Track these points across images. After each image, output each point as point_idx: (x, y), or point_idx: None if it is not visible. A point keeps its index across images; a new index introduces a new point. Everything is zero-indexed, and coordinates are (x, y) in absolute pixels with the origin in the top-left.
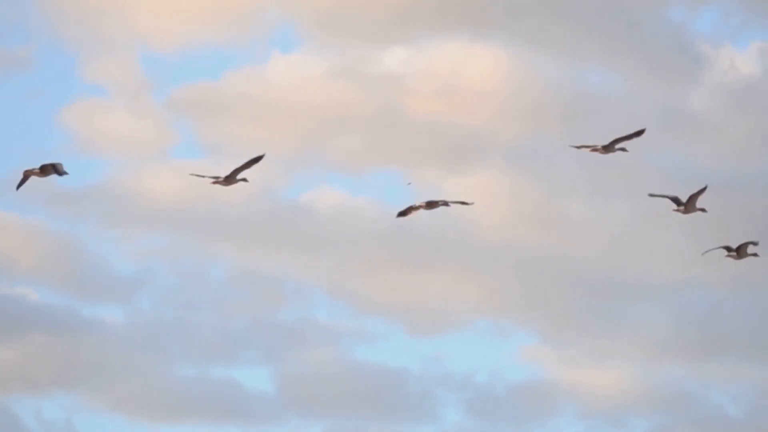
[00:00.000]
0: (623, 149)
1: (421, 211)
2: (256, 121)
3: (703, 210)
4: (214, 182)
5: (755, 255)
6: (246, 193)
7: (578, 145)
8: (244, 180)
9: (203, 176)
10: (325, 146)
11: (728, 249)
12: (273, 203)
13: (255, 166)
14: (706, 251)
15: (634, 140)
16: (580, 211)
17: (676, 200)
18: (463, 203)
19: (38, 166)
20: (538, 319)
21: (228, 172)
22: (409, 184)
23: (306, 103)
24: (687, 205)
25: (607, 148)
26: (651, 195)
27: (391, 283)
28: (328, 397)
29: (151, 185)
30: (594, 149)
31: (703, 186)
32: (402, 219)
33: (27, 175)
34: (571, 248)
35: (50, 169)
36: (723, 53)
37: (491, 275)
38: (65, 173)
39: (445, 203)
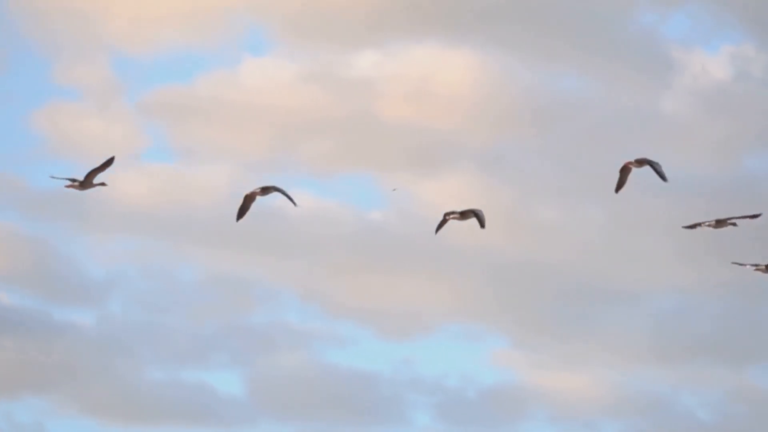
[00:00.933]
0: (734, 224)
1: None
2: (227, 124)
3: (103, 184)
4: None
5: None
6: (217, 196)
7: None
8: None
9: (60, 177)
10: (297, 150)
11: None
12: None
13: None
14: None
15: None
16: (551, 215)
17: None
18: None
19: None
20: (510, 324)
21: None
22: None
23: (277, 107)
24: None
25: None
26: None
27: (362, 287)
28: (299, 401)
29: (122, 189)
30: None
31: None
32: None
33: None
34: (542, 252)
35: (271, 190)
36: (694, 57)
37: (462, 279)
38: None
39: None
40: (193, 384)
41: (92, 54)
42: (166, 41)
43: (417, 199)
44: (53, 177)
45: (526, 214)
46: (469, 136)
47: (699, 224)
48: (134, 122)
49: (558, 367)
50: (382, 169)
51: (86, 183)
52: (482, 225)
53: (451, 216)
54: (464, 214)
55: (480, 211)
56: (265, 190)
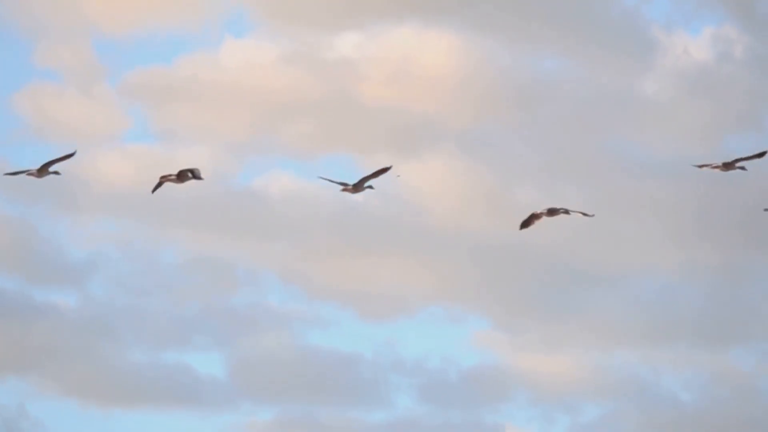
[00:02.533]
0: (743, 168)
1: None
2: (208, 105)
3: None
4: (343, 189)
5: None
6: None
7: (700, 164)
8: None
9: (333, 181)
10: (278, 131)
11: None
12: (226, 188)
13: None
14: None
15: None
16: (533, 196)
17: (344, 184)
18: (584, 214)
19: (176, 171)
20: (491, 305)
21: (356, 180)
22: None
23: (259, 88)
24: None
25: (728, 166)
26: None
27: (343, 269)
28: (280, 382)
29: (104, 170)
30: (715, 166)
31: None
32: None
33: (162, 181)
34: (523, 234)
35: (187, 175)
36: (676, 39)
37: (444, 261)
38: (201, 178)
39: (566, 212)
40: (174, 365)
41: (74, 36)
42: (147, 23)
43: (398, 181)
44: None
45: (508, 195)
46: (450, 118)
47: (707, 165)
48: (116, 104)
49: (540, 350)
50: (363, 151)
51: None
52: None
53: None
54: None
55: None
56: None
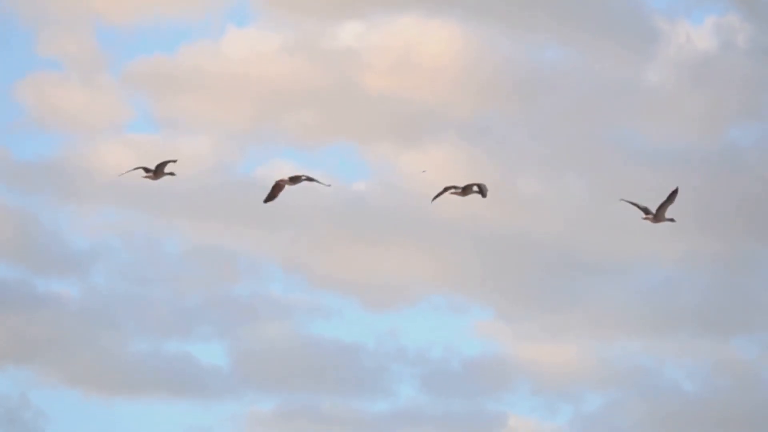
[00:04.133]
0: (672, 220)
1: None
2: (211, 95)
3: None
4: (453, 192)
5: (671, 220)
6: (201, 167)
7: (631, 201)
8: (672, 220)
9: (129, 171)
10: (280, 121)
11: (646, 211)
12: (228, 178)
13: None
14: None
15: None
16: (535, 186)
17: (645, 210)
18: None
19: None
20: (493, 295)
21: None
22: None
23: (261, 78)
24: (657, 215)
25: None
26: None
27: (346, 258)
28: (282, 372)
29: (106, 159)
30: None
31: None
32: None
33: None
34: (526, 224)
35: (472, 189)
36: (679, 28)
37: (446, 250)
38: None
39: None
40: (176, 355)
41: (76, 25)
42: (149, 12)
43: (400, 171)
44: (449, 190)
45: (510, 185)
46: (452, 108)
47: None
48: (118, 93)
49: (542, 339)
50: (365, 140)
51: (158, 173)
52: (484, 195)
53: (452, 191)
54: (465, 190)
55: (483, 184)
56: (295, 180)
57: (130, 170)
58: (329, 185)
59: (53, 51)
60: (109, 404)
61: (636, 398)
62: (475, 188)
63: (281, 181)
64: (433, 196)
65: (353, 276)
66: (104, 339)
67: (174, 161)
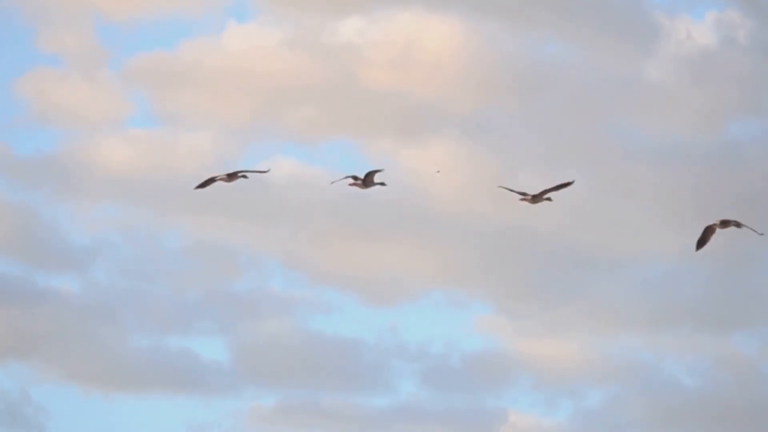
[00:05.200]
0: (549, 199)
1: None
2: (211, 90)
3: (549, 199)
4: (522, 200)
5: (549, 200)
6: (201, 162)
7: (508, 187)
8: (549, 200)
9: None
10: (281, 116)
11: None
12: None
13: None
14: (503, 187)
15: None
16: (535, 181)
17: (523, 194)
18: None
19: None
20: (494, 290)
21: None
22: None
23: (261, 73)
24: (535, 197)
25: (536, 198)
26: (501, 187)
27: (346, 254)
28: (283, 368)
29: (106, 155)
30: (524, 198)
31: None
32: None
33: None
34: (527, 219)
35: (236, 176)
36: (679, 24)
37: (447, 246)
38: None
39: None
40: (177, 351)
41: (77, 21)
42: (150, 8)
43: (401, 166)
44: (505, 188)
45: (510, 180)
46: (452, 103)
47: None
48: (118, 89)
49: (542, 334)
50: (365, 136)
51: (538, 198)
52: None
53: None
54: (535, 198)
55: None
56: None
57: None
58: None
59: (54, 47)
60: (110, 400)
61: (636, 393)
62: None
63: (217, 176)
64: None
65: (354, 271)
66: (105, 334)
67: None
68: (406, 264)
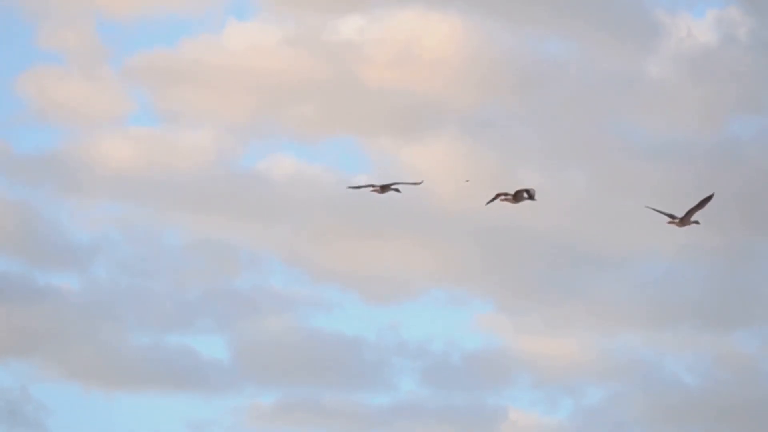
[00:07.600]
0: (697, 222)
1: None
2: (212, 88)
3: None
4: (670, 222)
5: (696, 222)
6: (202, 160)
7: (656, 208)
8: (697, 222)
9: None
10: (281, 114)
11: (672, 216)
12: (229, 171)
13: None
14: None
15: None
16: (536, 179)
17: (671, 216)
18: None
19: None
20: (494, 288)
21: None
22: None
23: (262, 71)
24: (683, 219)
25: (684, 221)
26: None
27: (347, 251)
28: (283, 365)
29: (107, 153)
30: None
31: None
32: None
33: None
34: (527, 217)
35: (523, 195)
36: (680, 21)
37: (447, 244)
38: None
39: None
40: (177, 348)
41: (77, 18)
42: (150, 6)
43: (401, 163)
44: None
45: (510, 177)
46: (453, 100)
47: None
48: (119, 86)
49: (543, 332)
50: (366, 134)
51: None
52: (533, 199)
53: (503, 197)
54: (516, 196)
55: (531, 189)
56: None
57: (362, 186)
58: (420, 182)
59: (54, 44)
60: (110, 397)
61: (637, 392)
62: (526, 195)
63: (372, 186)
64: (486, 202)
65: (354, 269)
66: (105, 332)
67: (420, 182)
68: (407, 262)
